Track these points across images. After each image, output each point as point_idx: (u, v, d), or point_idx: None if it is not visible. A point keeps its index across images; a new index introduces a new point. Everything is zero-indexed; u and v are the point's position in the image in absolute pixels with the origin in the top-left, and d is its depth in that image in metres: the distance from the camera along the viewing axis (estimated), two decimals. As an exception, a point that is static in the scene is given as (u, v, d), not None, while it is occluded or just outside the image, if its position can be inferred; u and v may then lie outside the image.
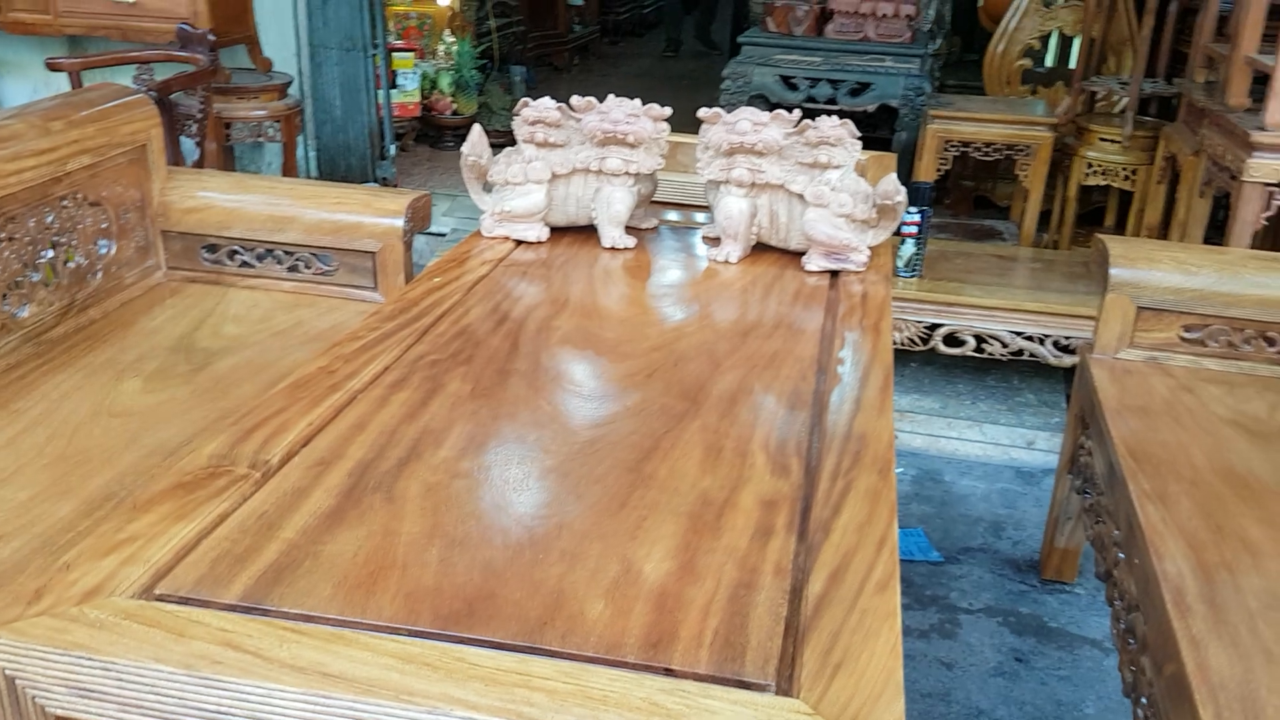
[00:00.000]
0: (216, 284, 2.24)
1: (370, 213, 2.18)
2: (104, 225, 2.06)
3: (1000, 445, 2.95)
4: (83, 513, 1.43)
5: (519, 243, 1.69)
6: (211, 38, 3.04)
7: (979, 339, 2.99)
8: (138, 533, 0.89)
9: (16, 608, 0.80)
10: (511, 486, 1.03)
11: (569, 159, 1.64)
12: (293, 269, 2.23)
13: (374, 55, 4.20)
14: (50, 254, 1.95)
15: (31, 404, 1.71)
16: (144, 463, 1.56)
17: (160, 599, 0.81)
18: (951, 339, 3.01)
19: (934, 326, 2.99)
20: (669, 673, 0.78)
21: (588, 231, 1.72)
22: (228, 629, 0.78)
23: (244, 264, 2.24)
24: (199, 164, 3.21)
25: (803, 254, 1.65)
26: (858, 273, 1.62)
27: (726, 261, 1.65)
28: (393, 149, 4.43)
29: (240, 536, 0.90)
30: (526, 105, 1.65)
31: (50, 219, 1.94)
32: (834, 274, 1.63)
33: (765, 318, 1.49)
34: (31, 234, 1.89)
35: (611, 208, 1.65)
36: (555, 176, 1.65)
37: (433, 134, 5.54)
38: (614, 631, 0.82)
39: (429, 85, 5.27)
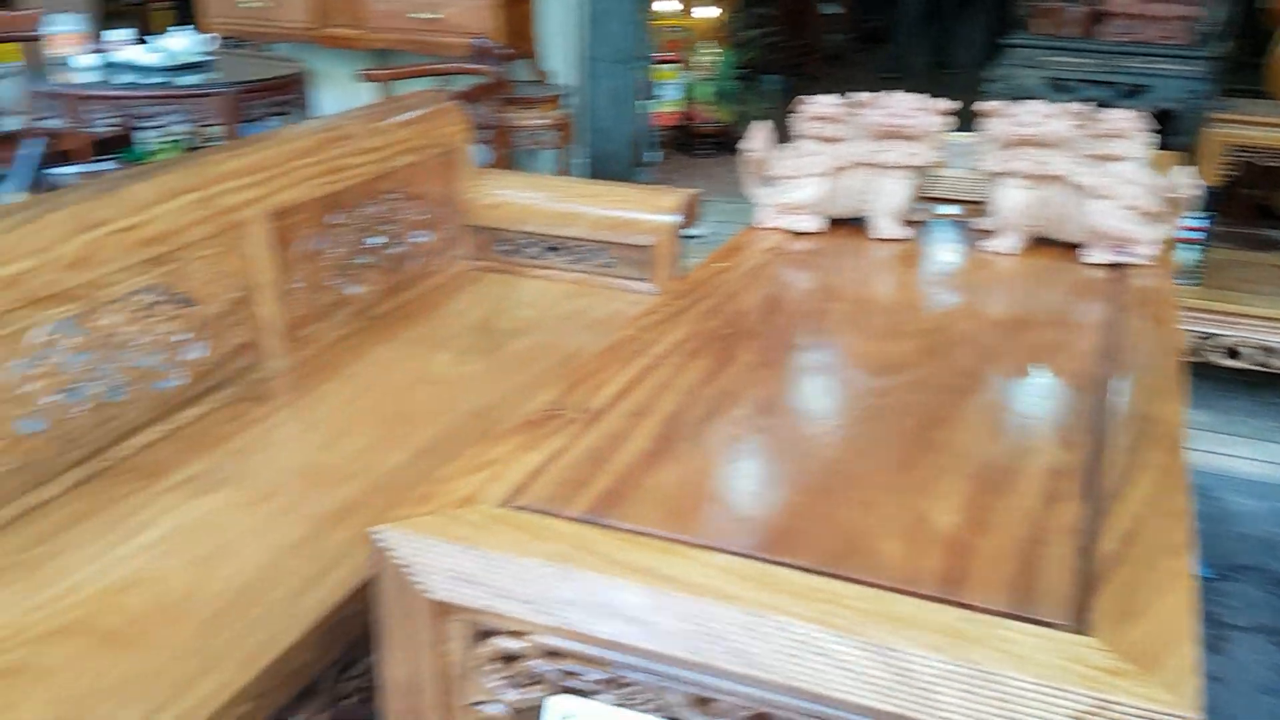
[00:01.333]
0: (509, 273, 2.46)
1: (648, 209, 2.34)
2: (421, 217, 2.32)
3: (1277, 464, 2.77)
4: (410, 462, 1.64)
5: (795, 233, 1.78)
6: (508, 52, 3.32)
7: (1265, 352, 2.82)
8: (497, 458, 1.05)
9: (405, 509, 0.96)
10: (805, 443, 1.13)
11: (848, 152, 1.72)
12: (576, 261, 2.42)
13: (641, 67, 4.42)
14: (377, 240, 2.21)
15: (362, 369, 1.96)
16: (458, 422, 1.76)
17: (520, 509, 0.96)
18: (1230, 351, 2.85)
19: (1208, 337, 2.85)
20: (964, 607, 0.85)
21: (863, 223, 1.79)
22: (578, 535, 0.92)
23: (533, 256, 2.45)
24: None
25: (1078, 246, 1.65)
26: (1139, 266, 1.61)
27: (1003, 253, 1.68)
28: (657, 156, 4.64)
29: (578, 467, 1.04)
30: (808, 102, 1.74)
31: (378, 209, 2.21)
32: (1114, 267, 1.62)
33: (1043, 307, 1.51)
34: (363, 222, 2.16)
35: (889, 199, 1.71)
36: (833, 170, 1.73)
37: (687, 142, 5.73)
38: (910, 569, 0.90)
39: (689, 94, 5.47)
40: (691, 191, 2.38)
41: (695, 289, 1.56)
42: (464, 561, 0.91)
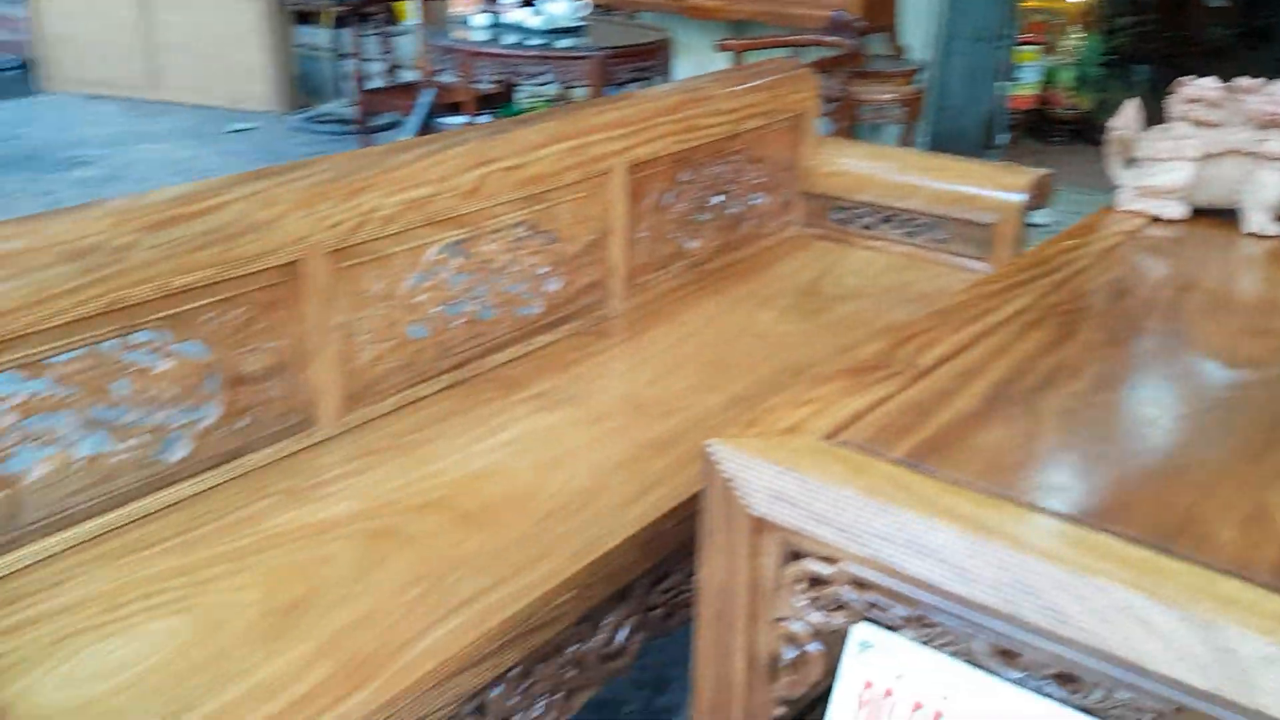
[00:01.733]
0: (840, 242, 2.49)
1: (993, 186, 2.29)
2: (761, 180, 2.40)
3: None
4: (725, 406, 1.73)
5: (1155, 218, 1.69)
6: (865, 25, 3.32)
7: None
8: (820, 397, 1.10)
9: (735, 429, 1.04)
10: (1144, 423, 1.10)
11: (1223, 139, 1.61)
12: (909, 234, 2.41)
13: (1001, 47, 4.27)
14: (718, 199, 2.32)
15: (692, 318, 2.07)
16: (775, 375, 1.83)
17: (841, 444, 1.02)
18: None
19: None
20: (1300, 601, 0.81)
21: (1230, 214, 1.68)
22: (897, 475, 0.96)
23: (865, 226, 2.47)
24: (828, 140, 3.54)
25: None
26: None
27: (1400, 259, 1.51)
28: (1006, 138, 4.47)
29: (900, 415, 1.08)
30: (1185, 83, 1.65)
31: (723, 170, 2.31)
32: None
33: None
34: (708, 181, 2.27)
35: (1265, 192, 1.59)
36: (1206, 155, 1.63)
37: (1041, 127, 5.46)
38: (1243, 555, 0.86)
39: (1048, 79, 5.20)
40: (1043, 172, 2.30)
41: (1040, 263, 1.52)
42: (783, 483, 0.97)
